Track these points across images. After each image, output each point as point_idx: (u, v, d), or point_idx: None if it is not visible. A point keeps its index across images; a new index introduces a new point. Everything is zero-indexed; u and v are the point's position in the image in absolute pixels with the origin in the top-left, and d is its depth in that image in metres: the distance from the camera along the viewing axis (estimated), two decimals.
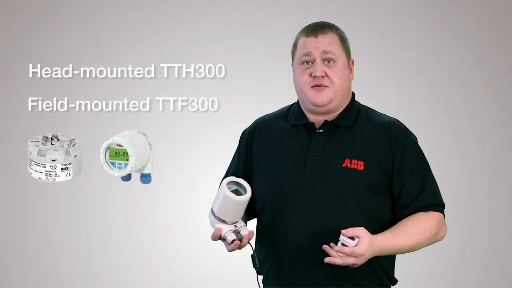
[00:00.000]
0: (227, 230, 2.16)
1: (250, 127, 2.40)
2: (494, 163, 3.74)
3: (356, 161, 2.21)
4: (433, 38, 3.75)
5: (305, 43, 2.26)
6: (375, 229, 2.15)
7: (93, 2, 3.83)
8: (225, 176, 2.41)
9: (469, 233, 3.71)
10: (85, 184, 3.78)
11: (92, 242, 3.78)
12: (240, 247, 2.18)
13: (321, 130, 2.26)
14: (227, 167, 2.45)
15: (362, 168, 2.21)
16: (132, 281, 3.77)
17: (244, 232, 2.17)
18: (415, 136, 2.30)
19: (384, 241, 2.12)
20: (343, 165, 2.21)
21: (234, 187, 2.16)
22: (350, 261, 2.05)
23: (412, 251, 2.21)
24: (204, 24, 3.82)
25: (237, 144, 2.46)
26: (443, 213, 2.26)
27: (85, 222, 3.78)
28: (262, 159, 2.31)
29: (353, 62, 2.32)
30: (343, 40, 2.28)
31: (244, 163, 2.36)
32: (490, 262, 3.70)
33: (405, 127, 2.30)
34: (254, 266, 2.20)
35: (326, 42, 2.24)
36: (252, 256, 2.19)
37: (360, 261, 2.06)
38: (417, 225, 2.18)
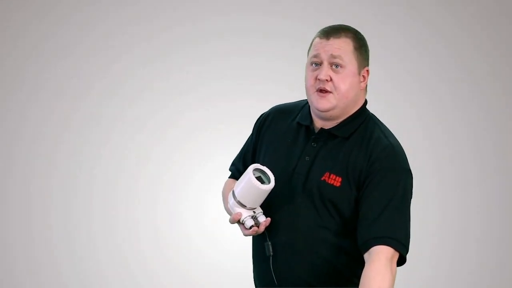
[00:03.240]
0: (246, 215, 2.17)
1: (266, 113, 2.38)
2: (490, 164, 3.76)
3: (334, 176, 2.16)
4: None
5: (316, 45, 2.21)
6: (348, 242, 2.15)
7: (94, 2, 3.83)
8: (240, 155, 2.41)
9: (467, 236, 3.72)
10: (85, 184, 3.79)
11: (92, 242, 3.78)
12: (256, 233, 2.18)
13: (318, 137, 2.24)
14: (241, 149, 2.44)
15: (338, 184, 2.16)
16: (133, 281, 3.77)
17: (261, 219, 2.18)
18: (407, 170, 2.17)
19: None
20: (322, 178, 2.18)
21: (258, 174, 2.16)
22: None
23: None
24: (204, 24, 3.82)
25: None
26: (395, 248, 2.09)
27: (85, 222, 3.79)
28: (264, 151, 2.30)
29: (367, 71, 2.23)
30: (358, 47, 2.19)
31: (253, 148, 2.36)
32: (487, 265, 3.71)
33: (400, 155, 2.18)
34: (268, 254, 2.20)
35: (336, 46, 2.17)
36: (266, 244, 2.19)
37: None
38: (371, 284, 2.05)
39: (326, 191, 2.15)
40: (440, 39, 3.76)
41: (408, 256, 2.14)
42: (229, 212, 2.29)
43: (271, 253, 2.18)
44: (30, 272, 3.75)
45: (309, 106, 2.28)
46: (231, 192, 2.19)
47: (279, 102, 2.40)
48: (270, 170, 2.19)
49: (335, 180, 2.15)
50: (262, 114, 2.37)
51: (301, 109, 2.30)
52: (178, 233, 3.78)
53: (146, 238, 3.78)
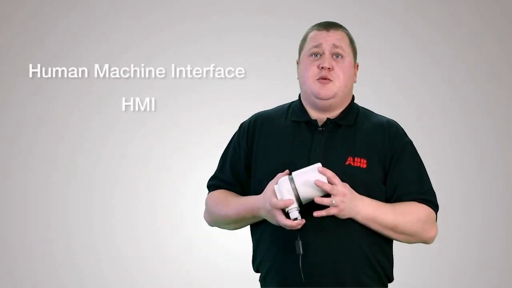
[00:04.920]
0: (294, 206, 2.12)
1: (249, 120, 2.38)
2: (490, 164, 3.75)
3: (359, 159, 2.22)
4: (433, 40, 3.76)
5: (316, 36, 2.28)
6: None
7: (94, 1, 3.83)
8: (222, 167, 2.38)
9: (465, 234, 3.71)
10: (84, 184, 3.79)
11: (91, 242, 3.78)
12: (296, 227, 2.13)
13: (323, 128, 2.26)
14: (221, 162, 2.41)
15: (364, 166, 2.21)
16: (132, 281, 3.77)
17: (299, 216, 2.14)
18: (410, 139, 2.32)
19: (366, 199, 2.15)
20: (346, 163, 2.21)
21: None
22: (336, 199, 2.08)
23: (396, 228, 2.18)
24: (204, 23, 3.82)
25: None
26: (436, 213, 2.26)
27: (85, 222, 3.78)
28: (263, 154, 2.29)
29: (357, 66, 2.33)
30: (351, 41, 2.32)
31: (245, 156, 2.34)
32: (486, 264, 3.70)
33: (402, 128, 2.33)
34: (298, 253, 2.17)
35: (337, 37, 2.27)
36: (297, 242, 2.15)
37: (345, 200, 2.09)
38: (405, 205, 2.20)
39: (355, 174, 2.19)
40: (440, 39, 3.77)
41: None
42: (237, 213, 2.26)
43: (301, 252, 2.15)
44: (29, 272, 3.75)
45: (299, 103, 2.30)
46: (286, 177, 2.13)
47: (279, 102, 2.41)
48: (281, 166, 2.19)
49: (361, 162, 2.21)
50: (244, 122, 2.38)
51: (287, 110, 2.33)
52: (178, 233, 3.78)
53: (145, 238, 3.78)
